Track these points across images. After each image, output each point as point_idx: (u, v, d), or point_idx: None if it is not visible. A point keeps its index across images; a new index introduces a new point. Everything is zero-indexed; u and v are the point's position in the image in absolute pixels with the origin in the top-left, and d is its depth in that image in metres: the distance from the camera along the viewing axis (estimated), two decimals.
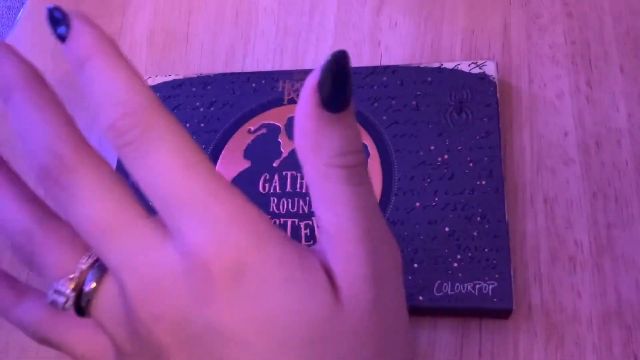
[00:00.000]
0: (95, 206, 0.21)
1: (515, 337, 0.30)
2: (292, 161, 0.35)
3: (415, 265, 0.31)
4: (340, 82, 0.20)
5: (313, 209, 0.22)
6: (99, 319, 0.22)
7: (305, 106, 0.21)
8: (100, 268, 0.22)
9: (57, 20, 0.21)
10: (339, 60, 0.20)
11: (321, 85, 0.20)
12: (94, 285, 0.22)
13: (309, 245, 0.32)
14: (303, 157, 0.21)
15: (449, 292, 0.30)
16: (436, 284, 0.30)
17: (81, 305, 0.22)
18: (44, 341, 0.24)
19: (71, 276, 0.22)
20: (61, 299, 0.22)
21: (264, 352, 0.20)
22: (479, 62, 0.35)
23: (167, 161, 0.20)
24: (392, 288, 0.22)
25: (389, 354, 0.22)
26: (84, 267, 0.22)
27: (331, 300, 0.20)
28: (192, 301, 0.20)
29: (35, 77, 0.22)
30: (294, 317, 0.20)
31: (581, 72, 0.36)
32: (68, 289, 0.22)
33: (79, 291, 0.22)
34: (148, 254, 0.20)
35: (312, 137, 0.21)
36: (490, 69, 0.35)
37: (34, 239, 0.22)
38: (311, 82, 0.20)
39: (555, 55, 0.36)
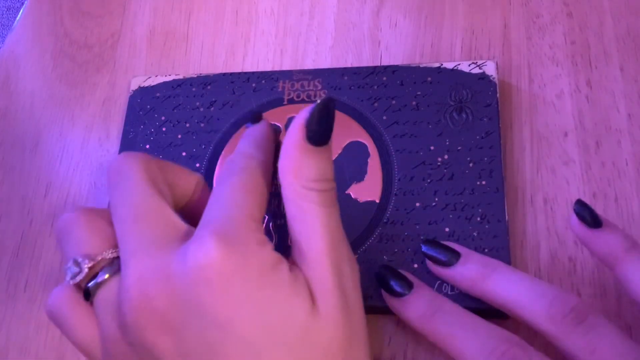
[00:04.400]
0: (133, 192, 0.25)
1: None
2: None
3: (415, 265, 0.31)
4: (325, 123, 0.25)
5: (288, 225, 0.26)
6: (98, 307, 0.25)
7: (294, 136, 0.25)
8: (118, 265, 0.25)
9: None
10: (328, 105, 0.25)
11: (309, 122, 0.25)
12: (106, 276, 0.24)
13: None
14: (284, 178, 0.25)
15: (449, 293, 0.30)
16: (436, 284, 0.30)
17: (89, 289, 0.25)
18: (53, 317, 0.26)
19: (94, 257, 0.25)
20: (75, 269, 0.25)
21: (250, 343, 0.22)
22: (479, 62, 0.35)
23: (233, 183, 0.25)
24: (356, 297, 0.25)
25: (357, 355, 0.25)
26: (108, 256, 0.25)
27: (310, 306, 0.23)
28: (185, 294, 0.22)
29: None
30: (278, 318, 0.23)
31: (581, 72, 0.36)
32: (86, 265, 0.25)
33: (92, 275, 0.25)
34: (163, 250, 0.23)
35: (294, 163, 0.25)
36: (490, 69, 0.35)
37: (79, 219, 0.26)
38: (302, 117, 0.25)
39: (555, 55, 0.36)
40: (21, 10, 0.47)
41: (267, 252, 0.24)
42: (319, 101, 0.25)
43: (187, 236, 0.24)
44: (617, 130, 0.34)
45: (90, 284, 0.25)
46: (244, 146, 0.28)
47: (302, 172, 0.25)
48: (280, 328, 0.23)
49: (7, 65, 0.45)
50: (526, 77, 0.36)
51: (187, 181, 0.28)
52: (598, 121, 0.34)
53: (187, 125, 0.37)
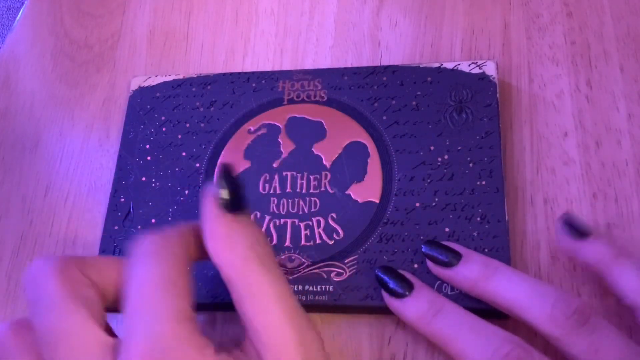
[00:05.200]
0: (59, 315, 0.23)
1: None
2: (292, 162, 0.35)
3: (416, 265, 0.31)
4: (232, 186, 0.24)
5: (237, 308, 0.24)
6: None
7: (210, 212, 0.24)
8: None
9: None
10: (226, 169, 0.25)
11: (220, 187, 0.24)
12: None
13: (308, 246, 0.32)
14: (218, 257, 0.24)
15: (449, 293, 0.30)
16: (436, 284, 0.30)
17: None
18: None
19: None
20: None
21: None
22: (479, 62, 0.35)
23: (149, 278, 0.23)
24: None
25: None
26: None
27: None
28: None
29: None
30: None
31: (581, 72, 0.36)
32: None
33: None
34: None
35: (223, 237, 0.24)
36: (490, 69, 0.35)
37: (8, 338, 0.24)
38: (209, 191, 0.24)
39: (555, 55, 0.36)
40: (21, 10, 0.47)
41: (209, 358, 0.22)
42: (218, 170, 0.24)
43: (115, 352, 0.22)
44: (617, 130, 0.34)
45: None
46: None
47: (234, 244, 0.24)
48: None
49: (7, 65, 0.45)
50: (526, 77, 0.36)
51: (115, 271, 0.26)
52: (598, 121, 0.34)
53: (187, 125, 0.37)
